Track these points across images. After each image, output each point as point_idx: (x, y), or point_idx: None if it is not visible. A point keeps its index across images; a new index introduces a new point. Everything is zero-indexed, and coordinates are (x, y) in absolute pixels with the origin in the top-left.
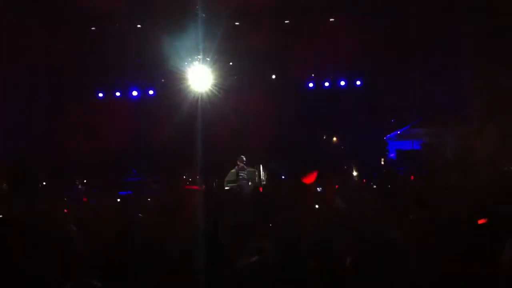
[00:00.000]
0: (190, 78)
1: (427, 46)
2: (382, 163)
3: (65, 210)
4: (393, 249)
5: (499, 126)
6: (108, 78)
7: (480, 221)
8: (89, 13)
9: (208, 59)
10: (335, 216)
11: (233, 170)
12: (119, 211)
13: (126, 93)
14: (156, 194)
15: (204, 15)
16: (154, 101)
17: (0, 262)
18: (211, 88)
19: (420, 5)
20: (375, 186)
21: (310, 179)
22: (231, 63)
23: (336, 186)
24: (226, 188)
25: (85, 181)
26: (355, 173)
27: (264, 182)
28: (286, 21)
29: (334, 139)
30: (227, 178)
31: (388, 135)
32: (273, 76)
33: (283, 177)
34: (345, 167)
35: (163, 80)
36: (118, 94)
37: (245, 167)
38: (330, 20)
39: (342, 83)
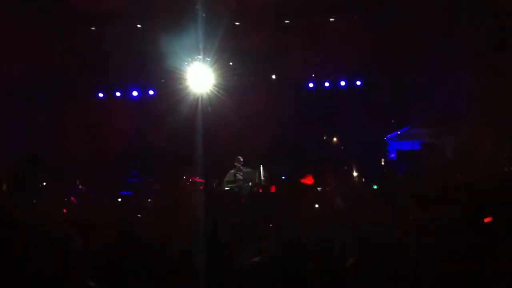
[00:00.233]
0: (190, 78)
1: (427, 46)
2: (383, 163)
3: (64, 210)
4: (393, 249)
5: (499, 127)
6: (108, 78)
7: (486, 220)
8: (89, 13)
9: (208, 59)
10: (335, 216)
11: (231, 171)
12: (119, 211)
13: (126, 93)
14: (157, 194)
15: (204, 15)
16: (154, 101)
17: (0, 262)
18: (211, 88)
19: (420, 5)
20: (375, 186)
21: (308, 180)
22: (231, 63)
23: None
24: (226, 188)
25: (85, 181)
26: (355, 173)
27: (264, 182)
28: (286, 21)
29: (335, 139)
30: (226, 179)
31: (389, 135)
32: (273, 76)
33: (283, 177)
34: (345, 167)
35: (163, 80)
36: (118, 94)
37: (241, 167)
38: (330, 20)
39: (343, 83)
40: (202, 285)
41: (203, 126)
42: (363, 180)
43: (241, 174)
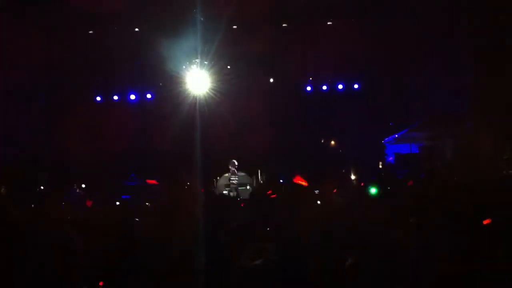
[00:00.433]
0: (188, 82)
1: (425, 48)
2: (381, 166)
3: (63, 214)
4: (393, 249)
5: (498, 129)
6: (106, 81)
7: (485, 222)
8: (88, 16)
9: (206, 62)
10: (334, 216)
11: (226, 175)
12: (118, 214)
13: (124, 96)
14: (155, 197)
15: (202, 19)
16: (152, 105)
17: (0, 263)
18: (209, 92)
19: (418, 8)
20: (374, 190)
21: (300, 181)
22: (229, 67)
23: (334, 190)
24: (224, 192)
25: (83, 185)
26: (353, 177)
27: (263, 185)
28: (284, 25)
29: (332, 142)
30: (221, 183)
31: (386, 138)
32: (271, 80)
33: (282, 180)
34: (343, 170)
35: (161, 84)
36: (116, 97)
37: (236, 171)
38: (328, 23)
39: (340, 86)
40: (202, 286)
41: (201, 130)
42: (361, 184)
43: (236, 178)
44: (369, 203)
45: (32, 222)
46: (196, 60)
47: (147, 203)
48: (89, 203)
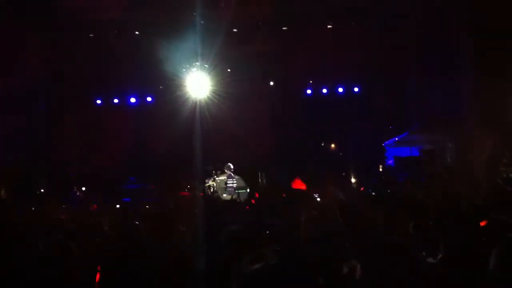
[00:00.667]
0: (188, 85)
1: (425, 52)
2: (381, 169)
3: (63, 216)
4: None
5: (498, 132)
6: (106, 85)
7: (482, 223)
8: (88, 20)
9: (207, 65)
10: (334, 219)
11: (222, 178)
12: (118, 217)
13: (124, 100)
14: (155, 200)
15: (202, 22)
16: (152, 108)
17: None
18: (209, 95)
19: (418, 12)
20: (373, 193)
21: (299, 185)
22: (229, 70)
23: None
24: (224, 195)
25: (83, 188)
26: (353, 180)
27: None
28: (284, 28)
29: (332, 145)
30: (220, 186)
31: (387, 141)
32: (271, 83)
33: (281, 183)
34: (343, 173)
35: (161, 87)
36: (116, 101)
37: (232, 175)
38: (328, 27)
39: (340, 89)
40: None
41: (201, 133)
42: (361, 188)
43: (234, 181)
44: (368, 205)
45: (32, 224)
46: (197, 63)
47: (147, 206)
48: (92, 207)
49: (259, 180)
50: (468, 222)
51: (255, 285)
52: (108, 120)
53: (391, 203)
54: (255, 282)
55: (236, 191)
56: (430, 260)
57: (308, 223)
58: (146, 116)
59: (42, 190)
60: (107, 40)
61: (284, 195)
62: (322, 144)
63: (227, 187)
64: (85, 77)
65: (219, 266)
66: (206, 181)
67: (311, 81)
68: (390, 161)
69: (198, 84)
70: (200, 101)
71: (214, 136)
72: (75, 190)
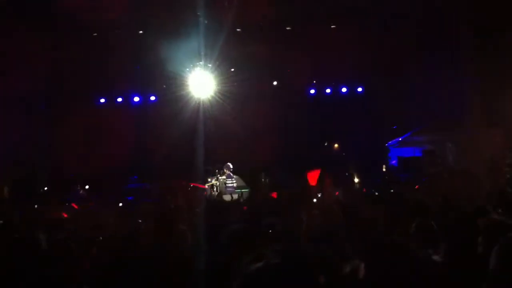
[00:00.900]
0: (191, 85)
1: (428, 53)
2: (384, 169)
3: (65, 215)
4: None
5: (500, 133)
6: (110, 84)
7: (480, 223)
8: (91, 20)
9: (210, 65)
10: (335, 219)
11: (221, 178)
12: (121, 217)
13: (127, 99)
14: (157, 200)
15: (205, 22)
16: (155, 107)
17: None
18: (212, 95)
19: (421, 12)
20: (377, 193)
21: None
22: (232, 70)
23: (337, 193)
24: (225, 195)
25: (86, 186)
26: (356, 180)
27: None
28: (287, 28)
29: (336, 145)
30: (220, 186)
31: (390, 142)
32: (275, 83)
33: (284, 183)
34: (347, 173)
35: (164, 86)
36: (119, 100)
37: (231, 174)
38: (332, 27)
39: (344, 89)
40: None
41: (204, 132)
42: (363, 189)
43: (233, 181)
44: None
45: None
46: (200, 62)
47: (149, 205)
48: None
49: (262, 180)
50: (469, 222)
51: (255, 285)
52: (111, 120)
53: (393, 203)
54: (256, 282)
55: (237, 190)
56: (436, 258)
57: (310, 223)
58: (150, 115)
59: (43, 189)
60: (110, 39)
61: (276, 196)
62: (325, 144)
63: (226, 187)
64: (86, 77)
65: (219, 266)
66: (209, 180)
67: (314, 81)
68: (394, 161)
69: (201, 83)
70: (203, 101)
71: (217, 135)
72: (78, 188)
